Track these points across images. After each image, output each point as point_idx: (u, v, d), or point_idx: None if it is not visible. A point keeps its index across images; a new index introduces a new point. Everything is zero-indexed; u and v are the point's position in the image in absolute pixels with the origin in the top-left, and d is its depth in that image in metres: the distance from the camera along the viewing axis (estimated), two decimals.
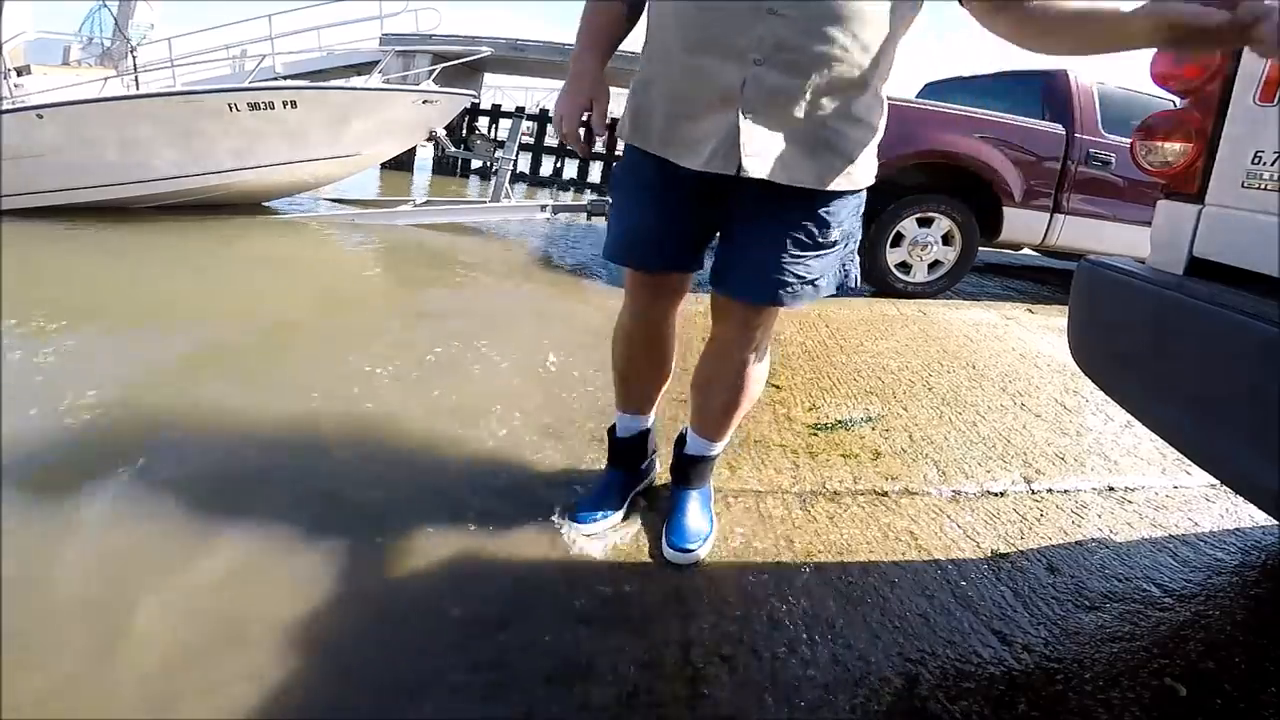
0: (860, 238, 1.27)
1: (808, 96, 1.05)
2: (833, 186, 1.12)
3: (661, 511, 1.53)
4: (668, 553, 1.38)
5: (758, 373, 1.35)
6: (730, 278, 1.22)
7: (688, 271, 1.34)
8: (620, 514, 1.52)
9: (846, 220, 1.19)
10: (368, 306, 3.65)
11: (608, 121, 1.20)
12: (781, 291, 1.17)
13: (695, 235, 1.26)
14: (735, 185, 1.12)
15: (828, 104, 1.07)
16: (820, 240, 1.16)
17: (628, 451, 1.57)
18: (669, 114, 1.13)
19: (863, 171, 1.16)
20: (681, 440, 1.52)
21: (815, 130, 1.08)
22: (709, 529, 1.45)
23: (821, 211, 1.14)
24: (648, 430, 1.58)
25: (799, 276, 1.16)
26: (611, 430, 1.58)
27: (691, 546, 1.39)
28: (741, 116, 1.05)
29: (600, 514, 1.48)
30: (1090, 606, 1.36)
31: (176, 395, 2.12)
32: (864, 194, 1.21)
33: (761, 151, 1.07)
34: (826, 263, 1.19)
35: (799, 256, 1.15)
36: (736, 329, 1.28)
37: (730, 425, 1.44)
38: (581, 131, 1.20)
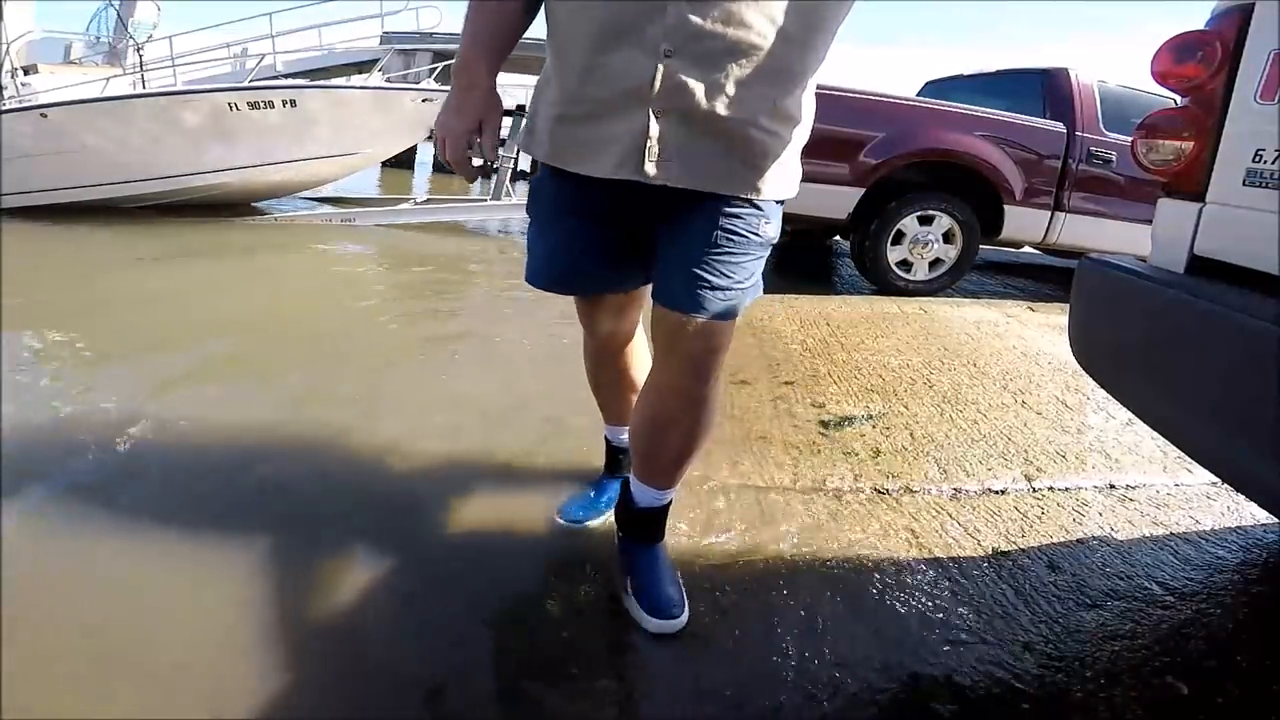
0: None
1: (728, 91, 0.93)
2: (765, 196, 1.02)
3: None
4: (650, 624, 1.20)
5: (713, 404, 1.16)
6: (662, 282, 1.08)
7: (630, 290, 1.24)
8: (610, 510, 1.49)
9: (776, 222, 1.07)
10: (366, 305, 3.64)
11: (500, 143, 1.05)
12: (715, 301, 1.02)
13: (626, 250, 1.12)
14: (658, 190, 0.98)
15: (753, 100, 0.95)
16: (756, 244, 1.05)
17: (620, 458, 1.57)
18: (566, 116, 1.00)
19: (794, 175, 1.06)
20: (626, 489, 1.32)
21: (739, 129, 0.96)
22: (681, 587, 1.28)
23: (758, 206, 1.03)
24: None
25: (735, 281, 1.04)
26: (606, 438, 1.59)
27: (676, 613, 1.21)
28: (652, 117, 0.93)
29: (587, 517, 1.50)
30: (1091, 604, 1.36)
31: (169, 401, 2.13)
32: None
33: (674, 155, 0.95)
34: (757, 266, 1.08)
35: (736, 259, 1.03)
36: (683, 353, 1.08)
37: (685, 469, 1.25)
38: (472, 156, 1.05)
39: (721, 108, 0.94)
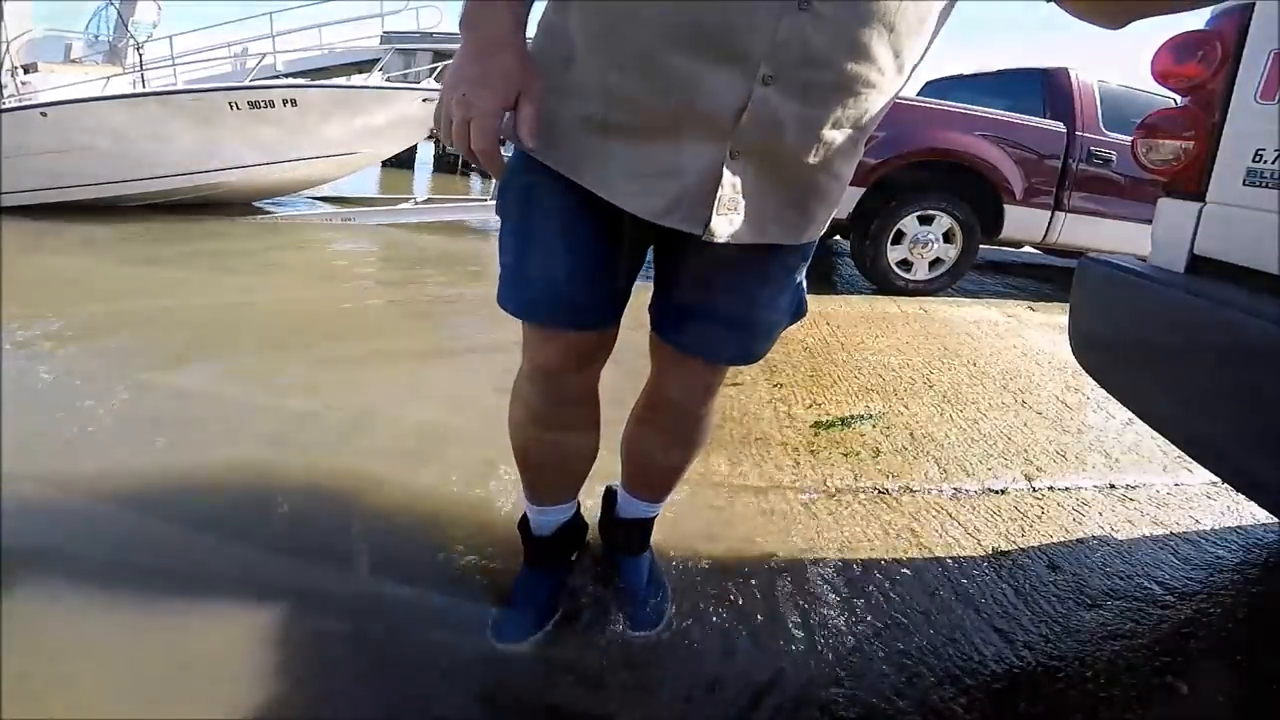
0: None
1: (822, 134, 0.75)
2: (812, 236, 0.89)
3: None
4: (633, 634, 1.19)
5: (711, 419, 1.13)
6: (691, 334, 0.96)
7: (618, 322, 0.98)
8: (555, 616, 1.21)
9: (811, 251, 0.96)
10: (366, 305, 3.64)
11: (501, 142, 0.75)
12: (758, 345, 0.97)
13: (633, 270, 0.95)
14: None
15: (841, 144, 0.77)
16: (795, 279, 0.95)
17: (552, 548, 1.24)
18: (606, 124, 0.76)
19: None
20: (611, 499, 1.26)
21: (812, 176, 0.80)
22: (667, 591, 1.26)
23: (802, 250, 0.92)
24: (574, 516, 1.26)
25: (773, 324, 0.96)
26: (524, 523, 1.23)
27: (654, 622, 1.20)
28: (729, 156, 0.73)
29: (528, 634, 1.17)
30: (1091, 604, 1.36)
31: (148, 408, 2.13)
32: None
33: (741, 208, 0.77)
34: (790, 298, 0.97)
35: (775, 302, 0.94)
36: (693, 387, 1.04)
37: (677, 482, 1.23)
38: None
39: (807, 152, 0.76)
